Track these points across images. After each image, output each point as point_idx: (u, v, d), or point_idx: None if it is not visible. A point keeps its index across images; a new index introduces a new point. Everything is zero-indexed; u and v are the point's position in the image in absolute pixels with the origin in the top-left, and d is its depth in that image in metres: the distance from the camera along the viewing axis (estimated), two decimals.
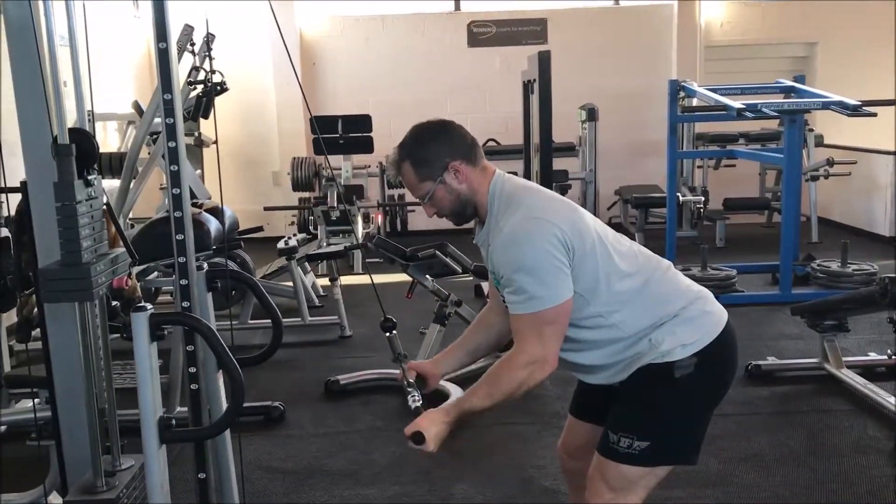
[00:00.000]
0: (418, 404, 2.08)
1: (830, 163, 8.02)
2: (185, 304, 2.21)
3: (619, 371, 2.01)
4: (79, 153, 1.85)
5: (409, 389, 2.12)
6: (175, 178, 2.10)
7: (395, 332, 2.25)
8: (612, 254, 1.98)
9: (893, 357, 4.22)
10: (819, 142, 8.43)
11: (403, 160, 2.02)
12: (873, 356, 4.50)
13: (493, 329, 2.26)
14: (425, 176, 2.01)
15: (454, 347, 2.31)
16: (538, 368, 1.92)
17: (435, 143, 2.01)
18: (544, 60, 5.35)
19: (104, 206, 1.96)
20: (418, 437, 1.96)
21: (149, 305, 1.87)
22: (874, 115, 5.59)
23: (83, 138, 1.90)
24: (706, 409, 2.04)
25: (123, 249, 1.97)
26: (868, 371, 4.33)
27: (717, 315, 2.03)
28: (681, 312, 1.98)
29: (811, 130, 8.14)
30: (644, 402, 1.99)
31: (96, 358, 1.99)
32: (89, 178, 1.89)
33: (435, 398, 4.09)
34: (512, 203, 1.98)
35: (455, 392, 4.11)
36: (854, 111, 5.54)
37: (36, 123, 1.93)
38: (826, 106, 5.76)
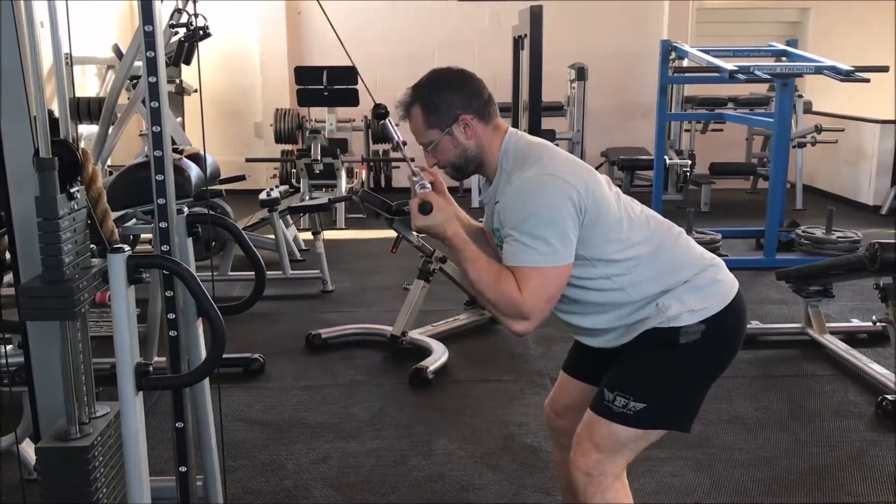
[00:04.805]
0: (428, 188, 1.92)
1: (818, 129, 8.00)
2: (165, 248, 2.13)
3: (622, 334, 1.96)
4: (62, 166, 1.77)
5: (416, 176, 1.95)
6: (155, 116, 2.01)
7: (389, 119, 2.08)
8: (623, 219, 1.92)
9: (878, 323, 4.22)
10: (807, 108, 8.42)
11: (414, 102, 1.94)
12: (856, 322, 4.52)
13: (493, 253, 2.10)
14: (433, 123, 1.93)
15: (474, 226, 2.16)
16: (519, 322, 1.84)
17: (450, 92, 1.92)
18: (536, 15, 5.24)
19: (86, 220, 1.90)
20: (427, 207, 1.87)
21: (126, 247, 1.79)
22: (867, 80, 5.54)
23: (66, 151, 1.82)
24: (708, 377, 1.99)
25: (105, 263, 1.87)
26: (850, 337, 4.35)
27: (728, 284, 1.98)
28: (691, 279, 1.93)
29: (800, 97, 8.11)
30: (645, 365, 1.94)
31: None
32: (72, 191, 1.81)
33: (416, 355, 4.07)
34: (527, 159, 1.91)
35: (438, 349, 4.09)
36: (846, 76, 5.50)
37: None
38: (819, 70, 5.70)
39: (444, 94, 1.92)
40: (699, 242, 2.08)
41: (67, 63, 1.97)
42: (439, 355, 4.02)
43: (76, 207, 1.83)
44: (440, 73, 1.98)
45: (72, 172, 1.85)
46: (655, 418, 1.94)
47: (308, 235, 6.30)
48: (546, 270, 1.82)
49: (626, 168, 8.20)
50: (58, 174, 1.76)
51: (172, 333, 2.20)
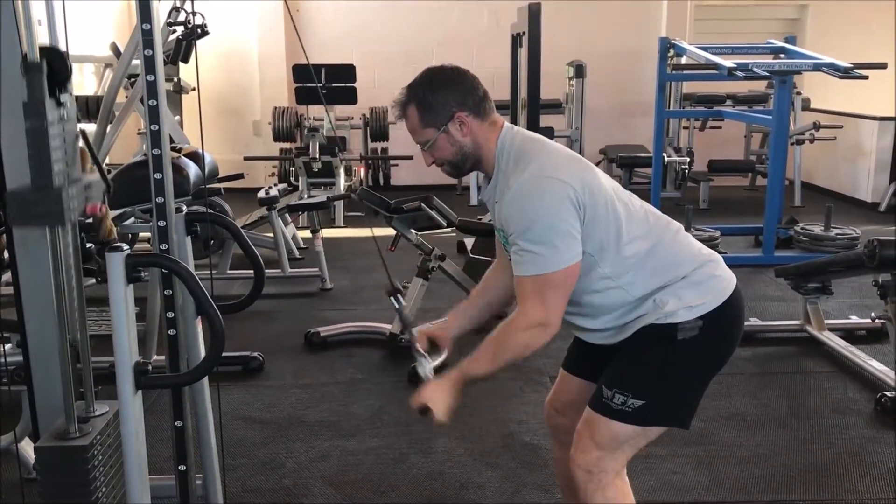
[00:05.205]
0: (428, 373, 2.06)
1: (817, 126, 7.99)
2: (163, 246, 2.13)
3: (620, 331, 1.96)
4: (50, 72, 1.73)
5: (419, 358, 2.09)
6: (154, 114, 2.00)
7: (401, 297, 2.19)
8: (622, 214, 1.91)
9: (877, 320, 4.23)
10: (806, 105, 8.41)
11: (410, 102, 1.94)
12: (854, 319, 4.51)
13: (501, 284, 2.19)
14: (429, 122, 1.93)
15: (464, 307, 2.26)
16: (541, 332, 1.86)
17: (444, 91, 1.92)
18: (534, 13, 5.25)
19: (78, 135, 1.86)
20: (426, 410, 1.94)
21: (125, 245, 1.79)
22: (865, 77, 5.53)
23: (55, 56, 1.77)
24: (706, 373, 1.99)
25: (97, 176, 1.87)
26: (849, 334, 4.35)
27: (725, 280, 1.97)
28: (689, 275, 1.92)
29: (798, 94, 8.11)
30: (643, 361, 1.94)
31: (69, 297, 1.91)
32: (61, 98, 1.77)
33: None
34: (522, 159, 1.90)
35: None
36: (845, 73, 5.48)
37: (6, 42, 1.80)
38: (817, 67, 5.69)
39: (439, 93, 1.92)
40: (698, 240, 2.08)
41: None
42: (438, 353, 4.01)
43: (65, 116, 1.80)
44: (434, 71, 1.97)
45: (61, 78, 1.79)
46: (654, 415, 1.93)
47: (307, 234, 6.29)
48: (555, 273, 1.83)
49: (624, 165, 8.18)
50: (46, 78, 1.72)
51: (171, 332, 2.20)
